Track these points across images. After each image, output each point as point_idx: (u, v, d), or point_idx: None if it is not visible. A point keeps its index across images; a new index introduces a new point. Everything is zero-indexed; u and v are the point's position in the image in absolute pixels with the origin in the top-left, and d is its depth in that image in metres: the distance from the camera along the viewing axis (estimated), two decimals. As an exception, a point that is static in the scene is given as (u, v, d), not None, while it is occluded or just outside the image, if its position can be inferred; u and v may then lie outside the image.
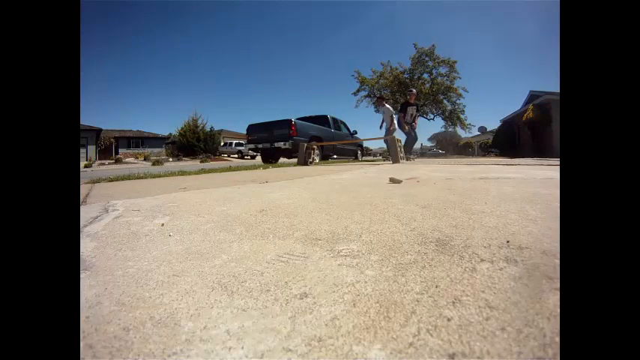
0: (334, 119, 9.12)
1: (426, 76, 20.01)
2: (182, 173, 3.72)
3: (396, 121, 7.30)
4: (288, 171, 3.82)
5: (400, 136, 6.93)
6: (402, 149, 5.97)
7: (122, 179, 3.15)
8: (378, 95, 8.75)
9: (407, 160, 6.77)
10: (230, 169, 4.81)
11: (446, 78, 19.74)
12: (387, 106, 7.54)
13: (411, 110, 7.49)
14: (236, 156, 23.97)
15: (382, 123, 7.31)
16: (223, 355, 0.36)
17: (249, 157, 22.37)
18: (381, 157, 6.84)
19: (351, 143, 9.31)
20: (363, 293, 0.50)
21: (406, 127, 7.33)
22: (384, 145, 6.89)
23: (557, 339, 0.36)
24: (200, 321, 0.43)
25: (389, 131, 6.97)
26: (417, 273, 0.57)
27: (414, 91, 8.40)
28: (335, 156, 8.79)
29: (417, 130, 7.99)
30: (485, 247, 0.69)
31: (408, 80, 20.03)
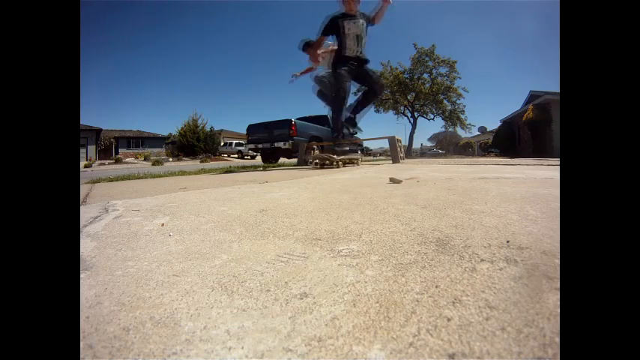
0: None
1: (426, 76, 20.03)
2: (182, 173, 3.73)
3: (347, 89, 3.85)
4: (288, 171, 3.82)
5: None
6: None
7: (122, 179, 3.15)
8: (304, 42, 4.46)
9: (343, 157, 4.27)
10: (230, 169, 4.81)
11: (446, 78, 19.78)
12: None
13: (350, 26, 3.80)
14: (236, 156, 23.98)
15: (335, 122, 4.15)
16: (223, 355, 0.36)
17: (249, 157, 22.38)
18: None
19: (350, 143, 9.30)
20: (363, 293, 0.50)
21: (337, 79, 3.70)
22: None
23: (557, 339, 0.36)
24: (200, 321, 0.43)
25: (337, 126, 3.92)
26: (417, 273, 0.57)
27: None
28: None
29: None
30: (485, 247, 0.69)
31: (407, 80, 20.06)
